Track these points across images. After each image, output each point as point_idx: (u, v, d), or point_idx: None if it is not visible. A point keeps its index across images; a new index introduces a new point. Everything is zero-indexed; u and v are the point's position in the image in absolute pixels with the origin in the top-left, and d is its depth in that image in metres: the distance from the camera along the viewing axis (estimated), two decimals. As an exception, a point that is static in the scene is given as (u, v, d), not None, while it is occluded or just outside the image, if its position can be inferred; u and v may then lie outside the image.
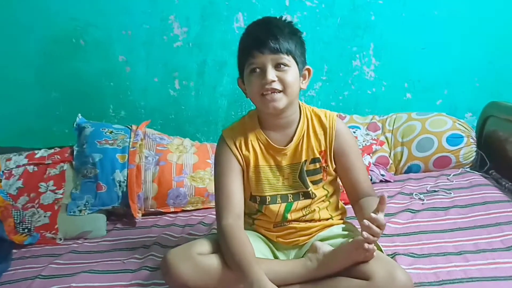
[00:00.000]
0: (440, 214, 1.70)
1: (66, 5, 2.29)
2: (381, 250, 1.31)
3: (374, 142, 2.13)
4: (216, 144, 2.15)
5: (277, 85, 1.28)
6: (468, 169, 2.07)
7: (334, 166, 1.39)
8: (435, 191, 1.88)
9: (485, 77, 2.34)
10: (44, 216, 1.76)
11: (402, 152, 2.15)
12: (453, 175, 2.00)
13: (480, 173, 2.02)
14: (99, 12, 2.32)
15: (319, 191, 1.40)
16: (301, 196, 1.39)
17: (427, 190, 1.90)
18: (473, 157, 2.10)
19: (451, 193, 1.83)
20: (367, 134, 2.17)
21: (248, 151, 1.38)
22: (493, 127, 2.13)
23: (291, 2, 2.31)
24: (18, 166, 1.87)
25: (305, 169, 1.37)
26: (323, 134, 1.38)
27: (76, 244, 1.72)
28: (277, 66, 1.28)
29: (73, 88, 2.39)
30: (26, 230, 1.70)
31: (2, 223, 1.51)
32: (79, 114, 2.09)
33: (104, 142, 1.94)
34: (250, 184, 1.39)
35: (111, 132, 1.99)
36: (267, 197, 1.39)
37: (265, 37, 1.27)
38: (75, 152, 1.96)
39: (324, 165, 1.39)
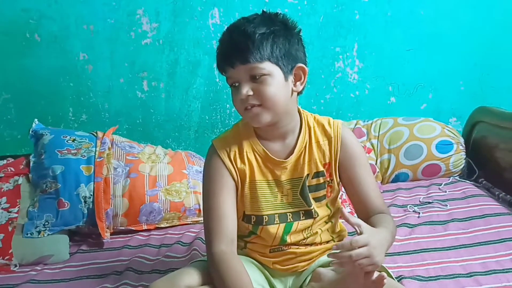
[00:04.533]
0: (439, 229, 1.59)
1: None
2: (390, 275, 1.17)
3: (363, 149, 2.01)
4: (190, 152, 2.05)
5: (253, 100, 1.11)
6: (458, 178, 1.99)
7: (338, 180, 1.24)
8: (429, 202, 1.78)
9: (470, 80, 2.27)
10: (-4, 240, 1.52)
11: (389, 160, 2.04)
12: (444, 185, 1.91)
13: (471, 182, 1.94)
14: (56, 2, 2.09)
15: (321, 210, 1.24)
16: (302, 215, 1.23)
17: (420, 201, 1.80)
18: (463, 165, 2.01)
19: (446, 205, 1.73)
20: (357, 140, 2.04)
21: (244, 163, 1.20)
22: (481, 133, 2.05)
23: (271, -2, 2.15)
24: (-37, 181, 1.61)
25: (307, 184, 1.21)
26: (327, 144, 1.22)
27: (35, 271, 1.49)
28: (253, 77, 1.11)
29: (26, 89, 2.15)
30: (-27, 258, 1.45)
31: None
32: (36, 120, 1.86)
33: (66, 151, 1.71)
34: (244, 202, 1.22)
35: (73, 140, 1.76)
36: (264, 216, 1.21)
37: (231, 50, 1.11)
38: (31, 164, 1.71)
39: (328, 179, 1.23)
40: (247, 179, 1.20)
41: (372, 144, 2.10)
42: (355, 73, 2.26)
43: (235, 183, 1.20)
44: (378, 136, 2.10)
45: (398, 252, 1.46)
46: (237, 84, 1.13)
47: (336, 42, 2.22)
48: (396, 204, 1.78)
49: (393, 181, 2.04)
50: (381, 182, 2.03)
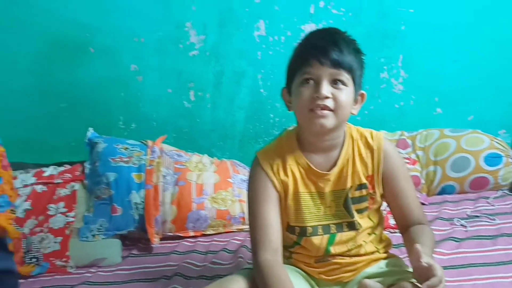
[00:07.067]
0: (487, 243, 1.57)
1: (69, 7, 2.12)
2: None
3: (408, 161, 2.00)
4: (235, 161, 2.10)
5: (330, 103, 1.13)
6: (507, 192, 1.94)
7: (381, 191, 1.26)
8: (476, 216, 1.75)
9: (519, 91, 2.22)
10: (54, 242, 1.62)
11: (435, 172, 2.02)
12: (493, 198, 1.88)
13: (521, 196, 1.90)
14: (108, 17, 2.17)
15: (364, 221, 1.26)
16: (344, 226, 1.24)
17: (467, 215, 1.78)
18: (512, 178, 1.97)
19: (495, 219, 1.70)
20: (398, 152, 2.03)
21: (287, 176, 1.23)
22: (531, 145, 2.00)
23: (316, 10, 2.17)
24: (25, 186, 1.71)
25: (350, 196, 1.23)
26: (369, 156, 1.24)
27: (89, 273, 1.57)
28: (334, 82, 1.13)
29: (80, 99, 2.24)
30: (34, 260, 1.55)
31: (13, 255, 1.35)
32: (91, 128, 1.95)
33: (118, 159, 1.79)
34: (288, 213, 1.25)
35: (125, 149, 1.85)
36: (308, 227, 1.24)
37: (328, 47, 1.12)
38: (87, 170, 1.81)
39: (371, 191, 1.25)
40: (290, 191, 1.23)
41: (417, 156, 2.08)
42: (400, 83, 2.25)
43: (278, 195, 1.23)
44: (423, 148, 2.09)
45: (444, 266, 1.44)
46: (311, 82, 1.14)
47: (381, 52, 2.21)
48: (442, 218, 1.76)
49: (439, 193, 2.01)
50: (427, 194, 2.01)
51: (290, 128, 1.33)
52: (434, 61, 2.22)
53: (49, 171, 1.82)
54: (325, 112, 1.14)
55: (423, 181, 2.02)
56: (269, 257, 1.17)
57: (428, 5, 2.16)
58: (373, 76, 2.24)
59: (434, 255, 1.45)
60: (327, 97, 1.12)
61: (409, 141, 2.13)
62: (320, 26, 2.18)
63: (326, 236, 1.24)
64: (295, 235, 1.26)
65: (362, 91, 1.23)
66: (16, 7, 2.08)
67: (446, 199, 1.93)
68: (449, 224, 1.71)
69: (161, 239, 1.74)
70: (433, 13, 2.17)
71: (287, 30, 2.19)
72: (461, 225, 1.69)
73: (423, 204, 1.90)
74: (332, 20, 2.18)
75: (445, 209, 1.84)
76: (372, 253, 1.28)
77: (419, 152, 2.08)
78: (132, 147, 1.86)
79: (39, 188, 1.74)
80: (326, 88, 1.12)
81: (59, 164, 1.91)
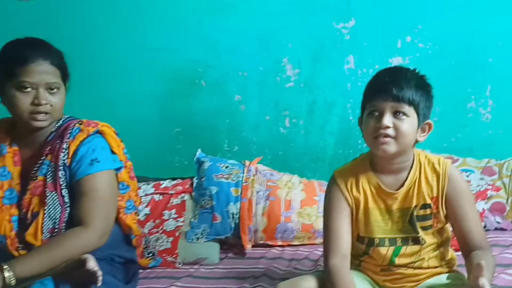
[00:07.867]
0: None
1: (185, 48, 2.47)
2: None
3: (490, 187, 2.05)
4: (322, 181, 2.30)
5: (390, 131, 1.31)
6: None
7: (445, 212, 1.39)
8: (557, 243, 1.75)
9: None
10: (167, 241, 1.96)
11: (520, 199, 2.04)
12: None
13: None
14: (218, 55, 2.48)
15: (429, 238, 1.39)
16: (410, 241, 1.40)
17: (548, 241, 1.79)
18: None
19: None
20: (482, 179, 2.09)
21: (359, 192, 1.42)
22: None
23: (403, 44, 2.32)
24: (146, 195, 2.10)
25: (415, 214, 1.38)
26: (435, 180, 1.38)
27: (193, 269, 1.88)
28: (396, 113, 1.31)
29: (193, 124, 2.55)
30: (150, 255, 1.91)
31: (136, 249, 1.70)
32: (199, 149, 2.27)
33: (220, 176, 2.11)
34: (359, 225, 1.43)
35: (226, 167, 2.16)
36: (376, 239, 1.41)
37: (389, 85, 1.31)
38: (194, 184, 2.15)
39: (435, 211, 1.39)
40: (361, 206, 1.41)
41: (503, 183, 2.11)
42: (488, 112, 2.29)
43: (350, 209, 1.42)
44: (510, 175, 2.11)
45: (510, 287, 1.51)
46: (376, 114, 1.33)
47: (468, 83, 2.28)
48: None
49: (525, 220, 2.03)
50: (512, 221, 2.04)
51: (366, 153, 1.51)
52: (525, 90, 2.24)
53: (165, 183, 2.19)
54: (387, 139, 1.31)
55: (508, 207, 2.05)
56: (338, 262, 1.36)
57: (516, 38, 2.22)
58: (460, 106, 2.31)
59: (504, 276, 1.54)
60: (387, 127, 1.30)
61: (496, 169, 2.16)
62: (407, 59, 2.32)
63: (392, 248, 1.40)
64: (363, 245, 1.43)
65: (429, 121, 1.38)
66: (144, 51, 2.49)
67: (530, 226, 1.95)
68: (525, 248, 1.74)
69: (253, 246, 2.01)
70: (522, 45, 2.21)
71: (375, 63, 2.34)
72: (537, 250, 1.72)
73: (504, 229, 1.94)
74: (419, 53, 2.31)
75: (525, 234, 1.86)
76: (435, 267, 1.42)
77: (505, 180, 2.10)
78: (232, 166, 2.17)
79: (157, 197, 2.12)
80: (387, 119, 1.30)
81: (173, 179, 2.27)
